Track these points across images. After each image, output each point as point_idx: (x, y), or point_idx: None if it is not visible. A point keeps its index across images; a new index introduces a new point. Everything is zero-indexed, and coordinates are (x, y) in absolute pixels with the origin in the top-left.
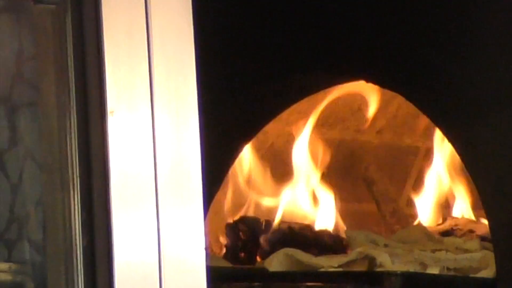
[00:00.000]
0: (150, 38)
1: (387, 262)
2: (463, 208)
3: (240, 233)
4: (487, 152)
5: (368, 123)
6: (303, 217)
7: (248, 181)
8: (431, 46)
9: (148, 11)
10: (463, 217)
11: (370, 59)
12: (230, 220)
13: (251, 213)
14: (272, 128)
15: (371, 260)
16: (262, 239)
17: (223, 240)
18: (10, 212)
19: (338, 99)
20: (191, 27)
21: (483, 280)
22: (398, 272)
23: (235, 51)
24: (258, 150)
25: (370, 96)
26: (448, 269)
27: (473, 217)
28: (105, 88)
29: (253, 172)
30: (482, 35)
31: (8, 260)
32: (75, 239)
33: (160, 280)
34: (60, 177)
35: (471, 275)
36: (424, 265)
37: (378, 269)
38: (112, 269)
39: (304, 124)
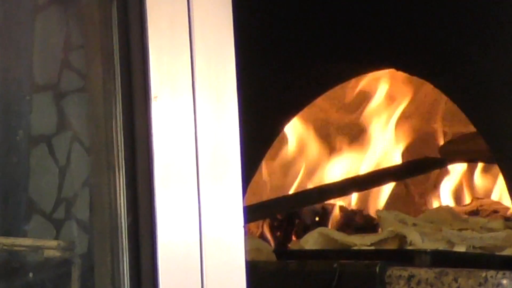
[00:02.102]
0: (192, 27)
1: (417, 240)
2: (488, 189)
3: (276, 213)
4: None
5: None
6: (337, 197)
7: (284, 164)
8: (459, 34)
9: (190, 2)
10: (488, 198)
11: (400, 48)
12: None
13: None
14: (307, 114)
15: (402, 239)
16: (297, 219)
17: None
18: (58, 193)
19: (369, 86)
20: (230, 16)
21: (508, 258)
22: (428, 250)
23: (272, 40)
24: (293, 134)
25: (400, 83)
26: (474, 247)
27: (497, 199)
28: (149, 74)
29: (288, 156)
30: (510, 22)
31: (56, 238)
32: (120, 218)
33: (201, 257)
34: (106, 159)
35: (496, 253)
36: (452, 244)
37: (409, 247)
38: (155, 246)
39: (337, 109)
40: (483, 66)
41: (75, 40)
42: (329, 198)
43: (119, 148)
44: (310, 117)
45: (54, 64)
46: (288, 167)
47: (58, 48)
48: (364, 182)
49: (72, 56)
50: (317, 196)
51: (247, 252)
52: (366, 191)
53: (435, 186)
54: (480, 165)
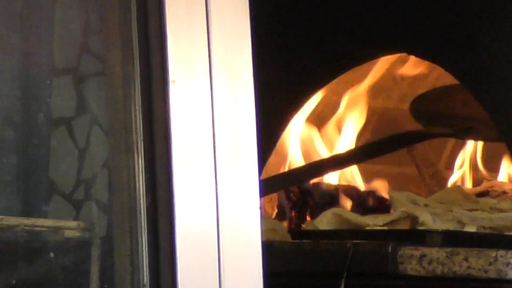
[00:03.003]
0: (209, 12)
1: (428, 220)
2: (498, 171)
3: (291, 194)
4: None
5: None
6: (349, 179)
7: (298, 146)
8: (471, 17)
9: None
10: (497, 180)
11: (412, 33)
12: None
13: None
14: (320, 97)
15: (414, 219)
16: (311, 200)
17: (274, 200)
18: (78, 175)
19: (381, 70)
20: (246, 1)
21: None
22: (439, 230)
23: (287, 24)
24: (307, 117)
25: (412, 67)
26: (484, 227)
27: (507, 180)
28: (167, 59)
29: (302, 138)
30: None
31: (76, 219)
32: (139, 199)
33: (218, 237)
34: (125, 141)
35: (506, 233)
36: (462, 224)
37: (420, 227)
38: (173, 226)
39: (350, 93)
40: (495, 50)
41: (95, 25)
42: (339, 168)
43: (138, 130)
44: (322, 101)
45: (73, 49)
46: (302, 149)
47: (78, 33)
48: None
49: (92, 41)
50: (330, 166)
51: (262, 232)
52: (379, 172)
53: (446, 167)
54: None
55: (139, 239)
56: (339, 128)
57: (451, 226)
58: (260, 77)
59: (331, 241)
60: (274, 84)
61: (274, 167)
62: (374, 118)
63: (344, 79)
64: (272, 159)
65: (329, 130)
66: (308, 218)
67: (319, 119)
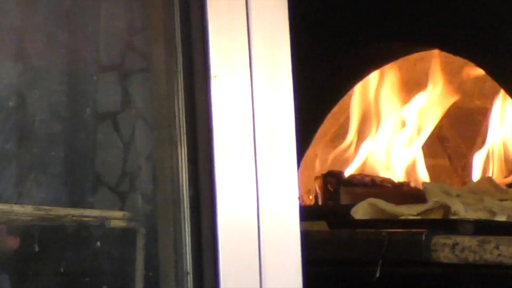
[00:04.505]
0: (249, 10)
1: (460, 210)
2: None
3: (328, 185)
4: None
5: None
6: (385, 170)
7: (334, 139)
8: (503, 15)
9: None
10: None
11: (444, 30)
12: (319, 174)
13: (337, 167)
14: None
15: (446, 209)
16: (347, 190)
17: (312, 192)
18: (123, 167)
19: (416, 65)
20: (285, 0)
21: None
22: (471, 219)
23: (326, 22)
24: (344, 110)
25: (444, 62)
26: None
27: None
28: (209, 55)
29: (339, 131)
30: None
31: (121, 209)
32: (182, 190)
33: (258, 226)
34: (168, 135)
35: None
36: (493, 213)
37: (453, 217)
38: (215, 216)
39: (386, 87)
40: None
41: (139, 23)
42: None
43: (181, 124)
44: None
45: (119, 46)
46: (339, 142)
47: (123, 30)
48: None
49: (136, 38)
50: None
51: (301, 221)
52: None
53: (477, 159)
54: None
55: (182, 228)
56: (374, 121)
57: (482, 216)
58: (299, 72)
59: (367, 230)
60: (312, 79)
61: (311, 160)
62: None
63: (380, 74)
64: (309, 152)
65: (365, 122)
66: (344, 208)
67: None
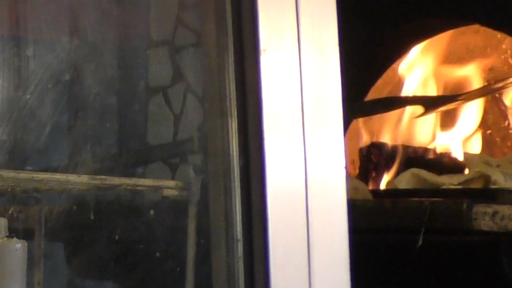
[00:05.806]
0: None
1: (500, 180)
2: None
3: (372, 156)
4: None
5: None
6: (427, 141)
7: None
8: None
9: None
10: None
11: (483, 5)
12: (363, 145)
13: (381, 139)
14: (400, 66)
15: (487, 179)
16: (391, 161)
17: (356, 162)
18: (174, 138)
19: (456, 40)
20: None
21: None
22: (511, 188)
23: None
24: (387, 84)
25: (484, 37)
26: None
27: None
28: (258, 30)
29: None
30: None
31: (173, 179)
32: (232, 160)
33: (306, 195)
34: (219, 107)
35: None
36: None
37: (493, 186)
38: (265, 186)
39: (428, 62)
40: None
41: (190, 0)
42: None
43: (231, 97)
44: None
45: (170, 22)
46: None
47: (174, 6)
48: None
49: (186, 14)
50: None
51: (347, 191)
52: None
53: None
54: None
55: (233, 197)
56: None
57: None
58: (345, 47)
59: (409, 200)
60: (358, 54)
61: (356, 132)
62: (449, 85)
63: (421, 49)
64: (354, 124)
65: (407, 96)
66: (388, 178)
67: (398, 85)
